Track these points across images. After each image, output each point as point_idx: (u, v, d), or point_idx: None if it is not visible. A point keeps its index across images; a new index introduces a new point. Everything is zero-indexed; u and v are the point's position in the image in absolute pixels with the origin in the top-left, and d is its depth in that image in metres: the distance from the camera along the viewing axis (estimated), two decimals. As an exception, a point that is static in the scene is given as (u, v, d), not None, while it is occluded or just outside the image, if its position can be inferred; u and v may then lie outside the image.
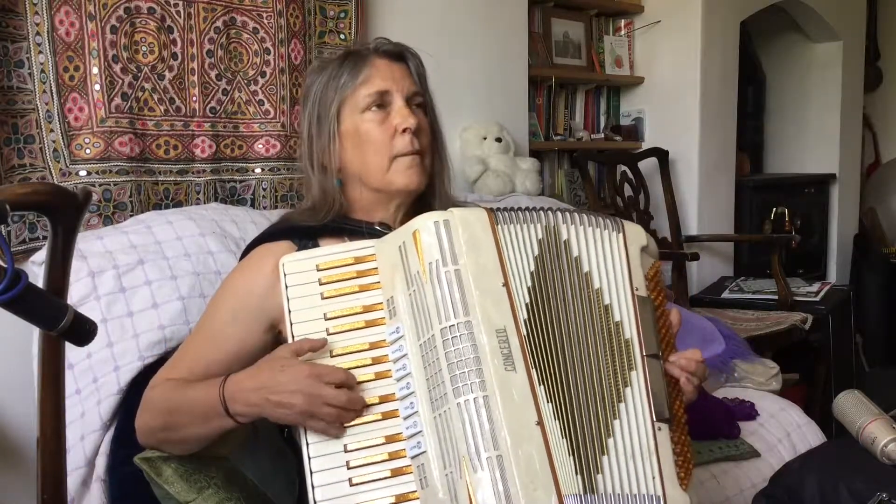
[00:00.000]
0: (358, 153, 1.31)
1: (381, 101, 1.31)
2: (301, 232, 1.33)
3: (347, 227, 1.33)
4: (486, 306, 1.10)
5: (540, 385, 1.09)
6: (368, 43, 1.36)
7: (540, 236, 1.18)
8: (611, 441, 1.10)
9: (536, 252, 1.16)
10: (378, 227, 1.32)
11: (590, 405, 1.11)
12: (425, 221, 1.14)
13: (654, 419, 1.13)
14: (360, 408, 1.11)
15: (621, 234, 1.22)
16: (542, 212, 1.20)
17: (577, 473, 1.06)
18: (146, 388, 1.30)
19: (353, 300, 1.16)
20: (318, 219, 1.33)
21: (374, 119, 1.30)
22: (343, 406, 1.09)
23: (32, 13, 1.78)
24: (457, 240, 1.12)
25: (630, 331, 1.17)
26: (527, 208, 1.21)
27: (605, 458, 1.09)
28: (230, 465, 1.36)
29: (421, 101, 1.35)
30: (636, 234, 1.24)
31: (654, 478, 1.10)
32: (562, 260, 1.18)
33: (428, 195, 1.38)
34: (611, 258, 1.20)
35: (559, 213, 1.20)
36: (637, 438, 1.11)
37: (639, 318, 1.18)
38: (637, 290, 1.19)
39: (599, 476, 1.08)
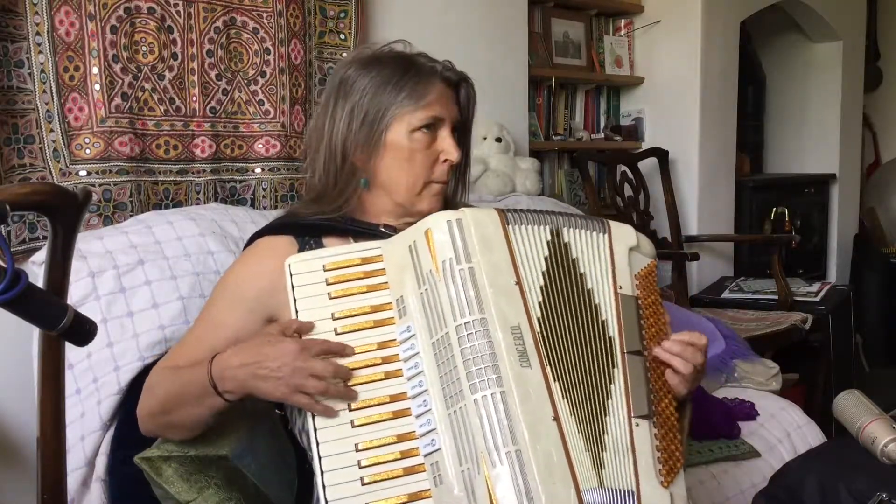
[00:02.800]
0: (396, 167, 1.32)
1: (432, 125, 1.33)
2: (306, 229, 1.34)
3: (353, 228, 1.34)
4: (500, 304, 1.11)
5: (555, 381, 1.10)
6: (435, 61, 1.36)
7: (548, 238, 1.20)
8: (606, 437, 1.11)
9: (546, 253, 1.19)
10: (383, 230, 1.32)
11: (592, 403, 1.13)
12: (438, 220, 1.15)
13: (632, 415, 1.13)
14: (348, 379, 1.11)
15: (606, 235, 1.24)
16: (548, 214, 1.22)
17: (592, 468, 1.08)
18: (149, 374, 1.32)
19: (361, 300, 1.17)
20: (323, 210, 1.34)
21: (421, 140, 1.32)
22: (331, 376, 1.09)
23: (32, 13, 1.78)
24: (469, 238, 1.14)
25: (612, 328, 1.18)
26: (537, 210, 1.23)
27: (605, 454, 1.10)
28: (230, 465, 1.36)
29: (461, 131, 1.39)
30: (624, 233, 1.26)
31: (629, 473, 1.10)
32: (566, 262, 1.20)
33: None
34: (597, 258, 1.22)
35: (560, 217, 1.23)
36: (620, 434, 1.13)
37: (620, 316, 1.19)
38: (621, 288, 1.21)
39: (604, 471, 1.09)
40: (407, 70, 1.32)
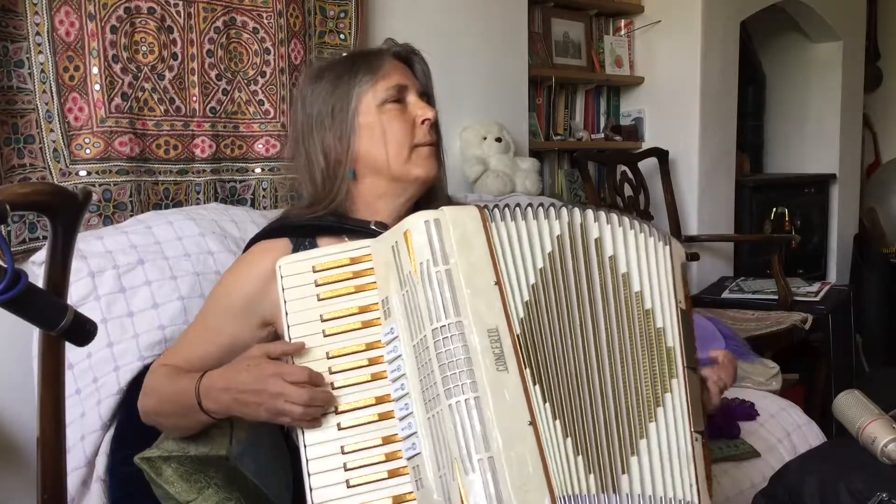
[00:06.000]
0: (377, 144, 1.32)
1: (399, 96, 1.33)
2: (299, 230, 1.34)
3: (346, 226, 1.34)
4: (477, 306, 1.09)
5: (535, 384, 1.07)
6: (378, 46, 1.40)
7: (558, 232, 1.16)
8: (643, 442, 1.10)
9: (549, 249, 1.15)
10: (374, 227, 1.32)
11: (616, 404, 1.11)
12: (416, 221, 1.13)
13: (693, 429, 1.13)
14: (326, 404, 1.11)
15: (668, 247, 1.22)
16: (565, 209, 1.19)
17: (589, 472, 1.06)
18: (148, 371, 1.34)
19: (350, 301, 1.16)
20: (316, 211, 1.34)
21: (392, 110, 1.32)
22: (306, 404, 1.09)
23: (32, 13, 1.78)
24: (447, 239, 1.12)
25: (673, 340, 1.17)
26: (550, 204, 1.20)
27: (634, 458, 1.09)
28: (230, 465, 1.36)
29: (427, 100, 1.38)
30: (680, 250, 1.25)
31: (691, 485, 1.10)
32: (590, 257, 1.17)
33: (432, 193, 1.39)
34: (655, 267, 1.20)
35: (590, 212, 1.20)
36: (675, 444, 1.11)
37: (682, 330, 1.18)
38: (680, 302, 1.20)
39: (625, 476, 1.07)
40: (355, 58, 1.36)
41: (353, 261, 1.18)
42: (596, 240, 1.18)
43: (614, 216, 1.20)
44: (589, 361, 1.12)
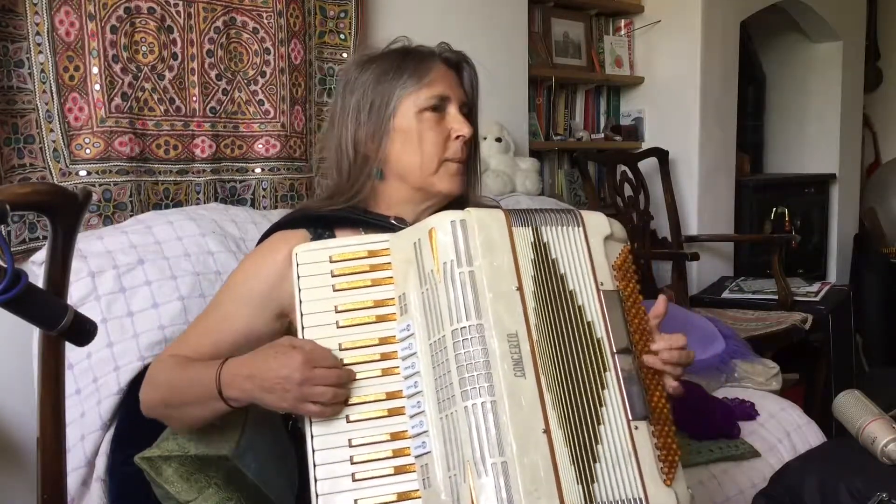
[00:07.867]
0: (407, 150, 1.31)
1: (439, 105, 1.32)
2: (318, 221, 1.34)
3: (364, 219, 1.33)
4: (498, 310, 1.09)
5: (547, 391, 1.08)
6: (430, 46, 1.37)
7: (532, 240, 1.17)
8: (600, 448, 1.09)
9: (532, 256, 1.16)
10: (394, 222, 1.31)
11: (582, 413, 1.10)
12: (442, 220, 1.13)
13: (630, 418, 1.11)
14: (352, 381, 1.11)
15: (581, 228, 1.20)
16: (528, 213, 1.19)
17: (577, 483, 1.05)
18: (152, 362, 1.32)
19: (365, 294, 1.16)
20: (335, 204, 1.33)
21: (430, 119, 1.31)
22: (336, 384, 1.09)
23: (32, 13, 1.78)
24: (472, 241, 1.12)
25: (599, 329, 1.15)
26: (522, 210, 1.20)
27: (597, 465, 1.08)
28: (230, 465, 1.36)
29: (468, 112, 1.36)
30: (597, 223, 1.21)
31: (634, 479, 1.08)
32: (548, 264, 1.16)
33: (457, 202, 1.38)
34: (575, 255, 1.18)
35: (537, 214, 1.19)
36: (618, 441, 1.10)
37: (605, 315, 1.15)
38: (602, 284, 1.17)
39: (595, 485, 1.07)
40: (405, 56, 1.34)
41: (371, 254, 1.18)
42: (545, 244, 1.17)
43: (548, 215, 1.19)
44: (565, 370, 1.11)
